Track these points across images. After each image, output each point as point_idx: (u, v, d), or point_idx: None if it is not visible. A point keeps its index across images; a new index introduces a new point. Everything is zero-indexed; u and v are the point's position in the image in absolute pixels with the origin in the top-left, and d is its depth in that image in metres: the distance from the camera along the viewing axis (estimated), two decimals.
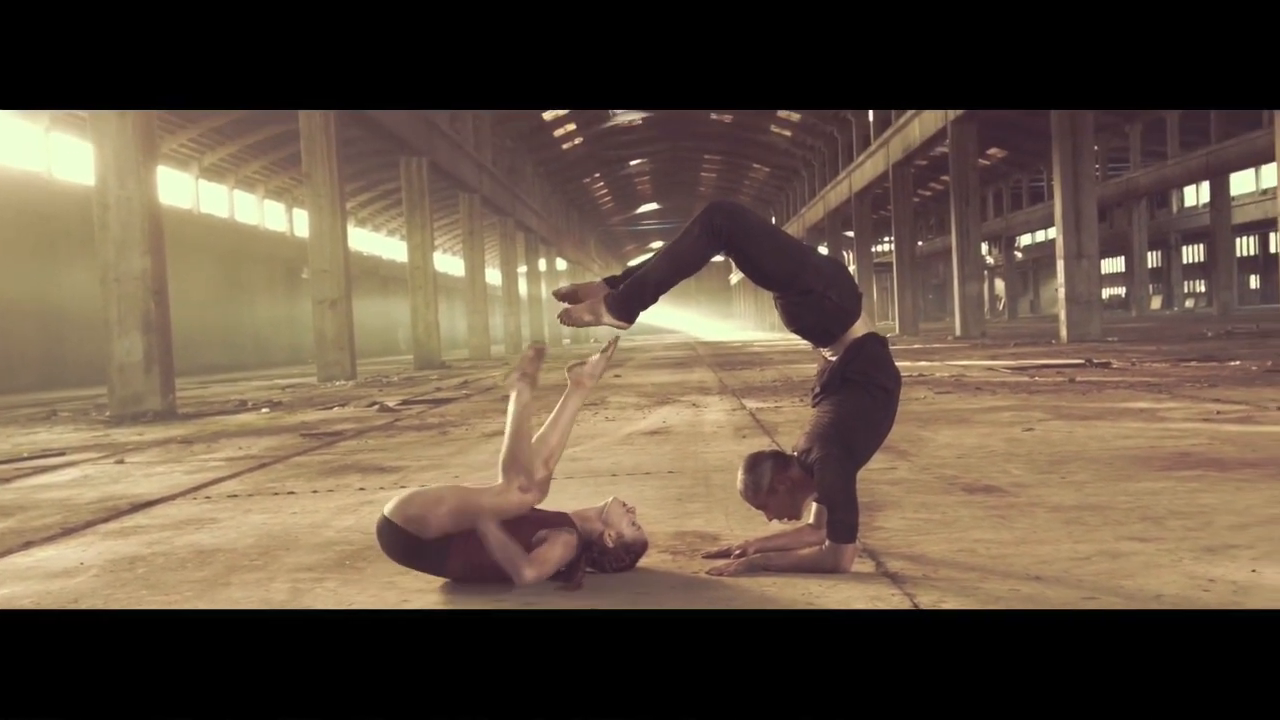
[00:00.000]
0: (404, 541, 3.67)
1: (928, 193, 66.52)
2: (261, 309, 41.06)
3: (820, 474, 3.58)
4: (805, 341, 3.88)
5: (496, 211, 41.53)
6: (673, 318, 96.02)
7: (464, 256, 37.51)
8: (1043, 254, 71.03)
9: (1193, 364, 13.51)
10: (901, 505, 4.80)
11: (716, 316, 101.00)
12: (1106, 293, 75.34)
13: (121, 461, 8.38)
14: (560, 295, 3.80)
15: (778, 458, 3.78)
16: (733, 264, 3.71)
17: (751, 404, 10.92)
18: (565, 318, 3.73)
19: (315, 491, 6.21)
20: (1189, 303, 63.68)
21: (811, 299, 3.64)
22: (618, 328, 3.73)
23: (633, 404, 11.78)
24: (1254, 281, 66.96)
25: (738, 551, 3.83)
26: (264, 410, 13.87)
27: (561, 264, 62.76)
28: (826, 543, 3.57)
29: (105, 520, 5.54)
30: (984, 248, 60.67)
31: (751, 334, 59.71)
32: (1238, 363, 13.18)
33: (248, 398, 16.96)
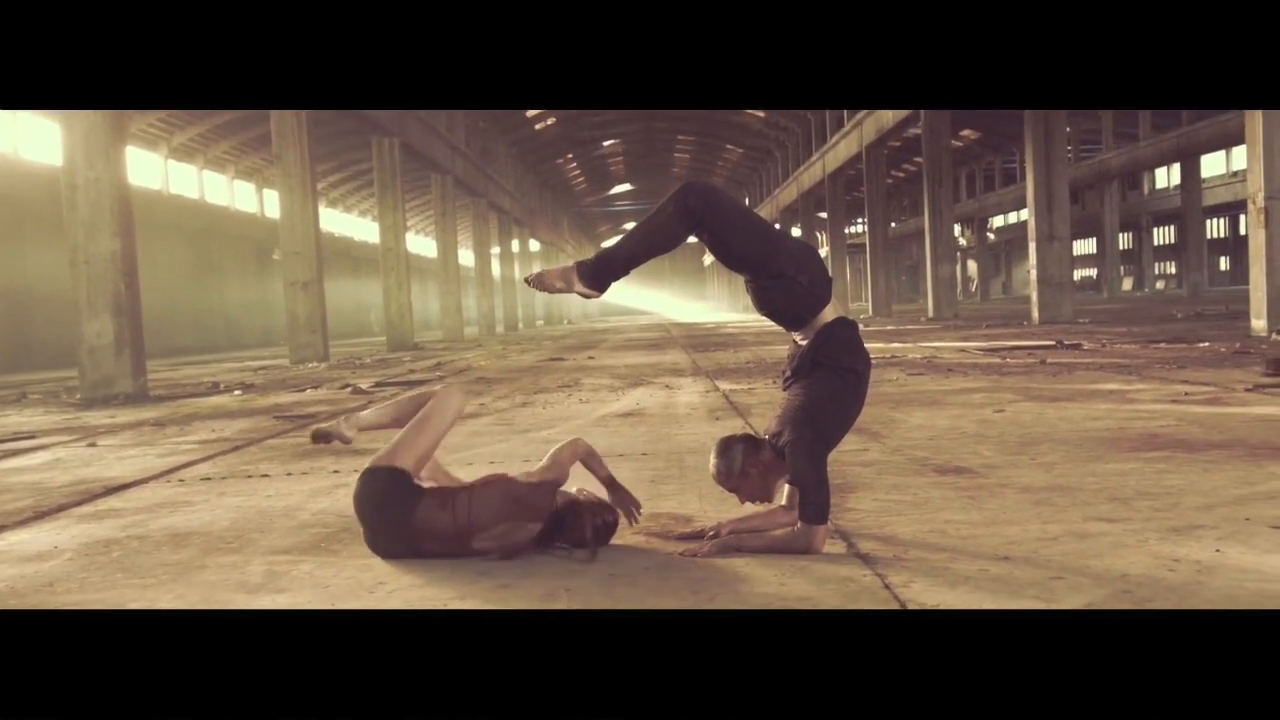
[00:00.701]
0: (388, 481, 3.75)
1: (901, 174, 66.71)
2: (232, 290, 40.78)
3: (792, 457, 3.62)
4: (776, 325, 3.91)
5: (469, 193, 41.35)
6: (646, 299, 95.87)
7: (436, 238, 37.36)
8: (1015, 235, 71.38)
9: (1162, 346, 13.64)
10: (873, 487, 4.84)
11: (690, 298, 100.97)
12: (1078, 274, 75.86)
13: (93, 444, 8.33)
14: (530, 280, 3.81)
15: (749, 441, 3.81)
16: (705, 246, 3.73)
17: (725, 385, 10.96)
18: (536, 280, 3.73)
19: (289, 474, 6.20)
20: (1160, 284, 64.20)
21: (783, 283, 3.67)
22: (587, 296, 3.73)
23: (606, 386, 11.80)
24: (1224, 263, 67.58)
25: (711, 533, 3.86)
26: (236, 392, 13.81)
27: (535, 245, 62.53)
28: (799, 524, 3.61)
29: (79, 504, 5.52)
30: (957, 229, 60.98)
31: (725, 315, 59.78)
32: (1206, 344, 13.31)
33: (220, 380, 16.88)
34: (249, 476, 6.21)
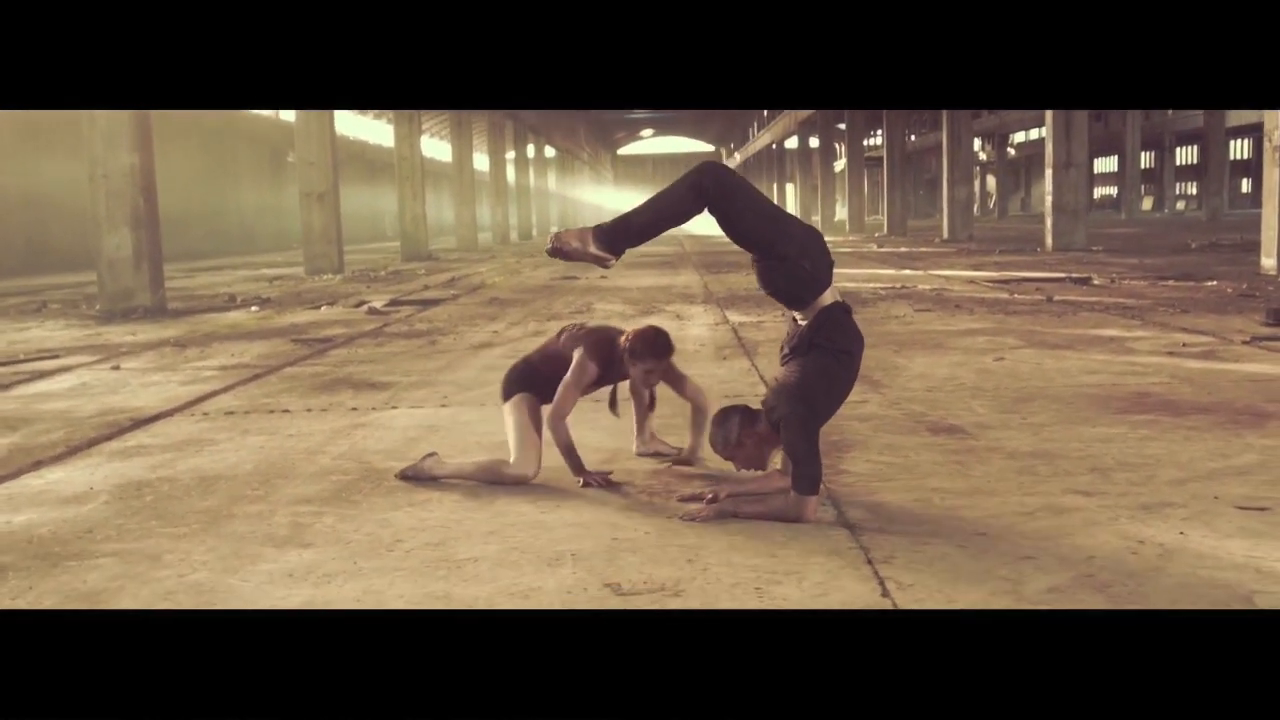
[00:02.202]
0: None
1: None
2: (247, 194, 40.80)
3: (786, 431, 3.84)
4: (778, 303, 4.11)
5: None
6: None
7: (451, 145, 37.27)
8: (1036, 151, 70.61)
9: (1170, 283, 13.75)
10: (868, 446, 5.06)
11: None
12: (1098, 192, 75.27)
13: (117, 368, 8.59)
14: (550, 246, 3.99)
15: (745, 413, 4.03)
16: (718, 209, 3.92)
17: (735, 317, 11.16)
18: (554, 241, 3.94)
19: (309, 410, 6.45)
20: (1180, 205, 63.68)
21: (786, 265, 3.87)
22: (601, 260, 3.93)
23: (617, 313, 12.00)
24: (1245, 185, 66.88)
25: (710, 497, 4.10)
26: (253, 309, 14.05)
27: (550, 151, 62.21)
28: (791, 494, 3.84)
29: (108, 438, 5.78)
30: (976, 144, 60.38)
31: None
32: (1214, 284, 13.42)
33: (236, 292, 17.12)
34: (270, 411, 6.46)
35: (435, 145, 61.76)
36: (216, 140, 38.29)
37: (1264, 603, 2.99)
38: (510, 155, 48.89)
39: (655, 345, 4.43)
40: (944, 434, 5.29)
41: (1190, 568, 3.29)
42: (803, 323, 3.99)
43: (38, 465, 5.20)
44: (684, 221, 3.92)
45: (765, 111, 71.45)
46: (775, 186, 66.27)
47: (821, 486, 3.92)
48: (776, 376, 4.09)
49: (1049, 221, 22.19)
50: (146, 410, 6.58)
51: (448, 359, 8.66)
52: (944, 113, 29.01)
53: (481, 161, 54.72)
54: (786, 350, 4.05)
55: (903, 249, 26.02)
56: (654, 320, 11.21)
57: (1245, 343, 8.09)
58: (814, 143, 56.76)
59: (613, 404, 4.82)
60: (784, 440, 3.86)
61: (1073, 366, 7.24)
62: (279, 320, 12.42)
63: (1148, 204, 63.63)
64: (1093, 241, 23.26)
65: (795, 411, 3.83)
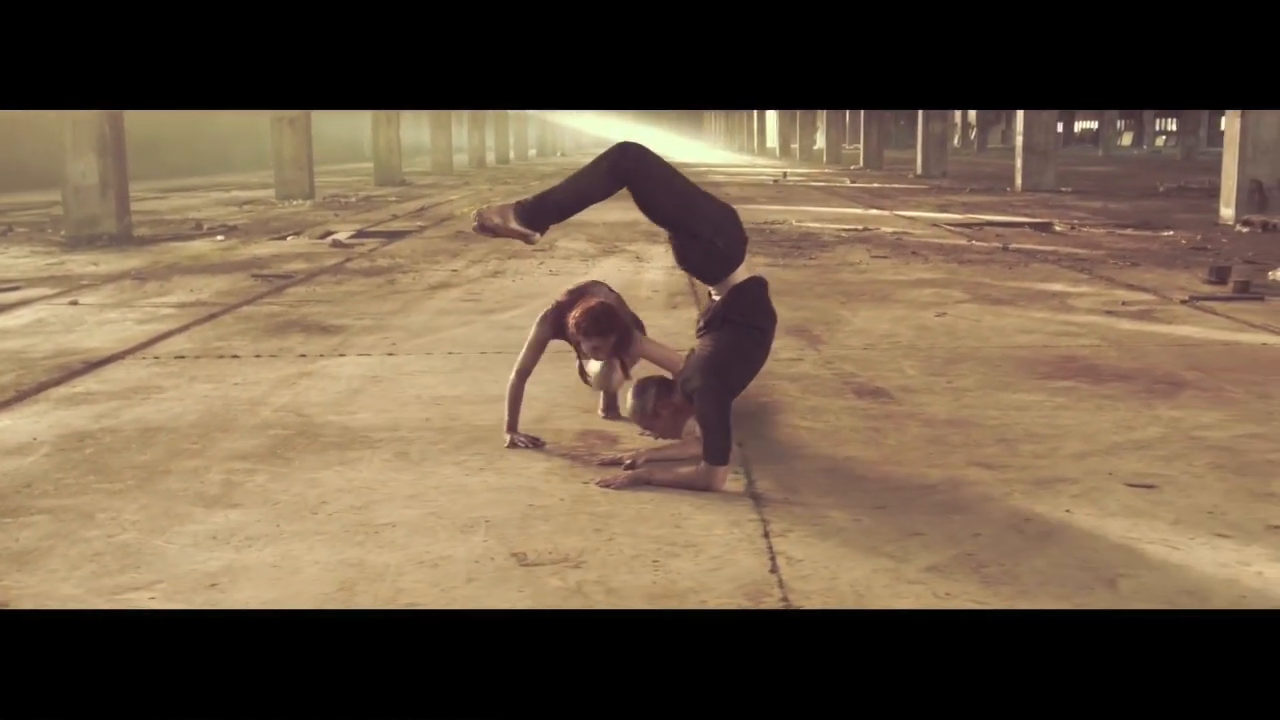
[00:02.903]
0: None
1: None
2: (224, 116, 40.21)
3: (699, 402, 4.00)
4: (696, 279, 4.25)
5: None
6: (645, 136, 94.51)
7: None
8: None
9: (1129, 232, 13.92)
10: (794, 409, 5.23)
11: (687, 135, 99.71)
12: (1079, 126, 75.17)
13: (75, 303, 8.67)
14: (475, 224, 4.11)
15: (662, 384, 4.19)
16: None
17: None
18: (478, 218, 4.07)
19: (258, 356, 6.57)
20: (1160, 140, 63.66)
21: (700, 243, 4.02)
22: (525, 236, 4.06)
23: (579, 253, 12.10)
24: (1224, 123, 66.90)
25: (628, 462, 4.26)
26: (219, 238, 14.06)
27: None
28: (702, 464, 4.01)
29: (58, 383, 5.90)
30: None
31: (718, 156, 59.32)
32: (1170, 233, 13.60)
33: (203, 218, 17.07)
34: (220, 356, 6.58)
35: None
36: None
37: (1126, 586, 3.19)
38: None
39: (598, 323, 4.40)
40: (869, 397, 5.47)
41: (1067, 549, 3.48)
42: (717, 298, 4.13)
43: None
44: (602, 199, 4.04)
45: None
46: (756, 115, 65.86)
47: (732, 456, 4.09)
48: (694, 349, 4.24)
49: (1018, 162, 22.28)
50: (99, 352, 6.69)
51: (403, 300, 8.76)
52: None
53: None
54: (702, 324, 4.20)
55: (875, 185, 26.06)
56: (613, 260, 11.35)
57: (1183, 302, 8.28)
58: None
59: (581, 372, 4.93)
60: (697, 411, 4.03)
61: (1010, 325, 7.42)
62: (242, 252, 12.46)
63: (1127, 139, 63.64)
64: (1063, 181, 23.37)
65: (708, 384, 3.99)
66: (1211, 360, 6.25)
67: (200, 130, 37.63)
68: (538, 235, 4.08)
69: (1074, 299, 8.52)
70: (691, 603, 3.09)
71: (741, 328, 4.08)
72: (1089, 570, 3.31)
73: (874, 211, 17.59)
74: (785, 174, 32.23)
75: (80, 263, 11.43)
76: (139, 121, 14.28)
